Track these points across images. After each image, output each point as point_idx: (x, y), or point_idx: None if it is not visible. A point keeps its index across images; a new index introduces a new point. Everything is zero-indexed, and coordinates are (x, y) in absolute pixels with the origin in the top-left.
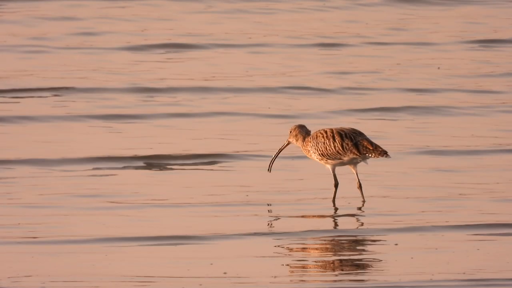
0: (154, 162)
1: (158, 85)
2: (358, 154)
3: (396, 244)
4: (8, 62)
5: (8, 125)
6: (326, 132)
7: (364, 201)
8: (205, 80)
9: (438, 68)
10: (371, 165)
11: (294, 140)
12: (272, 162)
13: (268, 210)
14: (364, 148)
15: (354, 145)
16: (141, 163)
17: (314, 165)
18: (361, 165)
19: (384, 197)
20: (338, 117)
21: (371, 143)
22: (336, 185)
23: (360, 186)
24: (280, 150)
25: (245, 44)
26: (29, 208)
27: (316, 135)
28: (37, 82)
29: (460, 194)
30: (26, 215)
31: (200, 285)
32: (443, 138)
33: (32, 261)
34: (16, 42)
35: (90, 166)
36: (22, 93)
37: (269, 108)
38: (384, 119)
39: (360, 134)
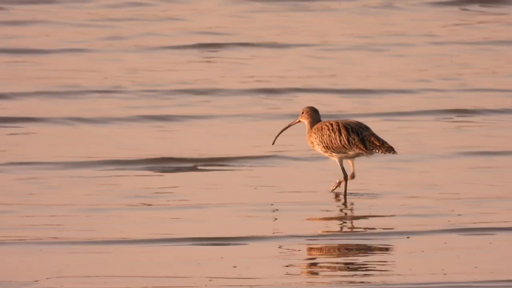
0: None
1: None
2: (364, 150)
3: (445, 243)
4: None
5: (63, 127)
6: (332, 124)
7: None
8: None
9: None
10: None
11: (306, 121)
12: (276, 137)
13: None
14: (371, 144)
15: (360, 140)
16: (190, 165)
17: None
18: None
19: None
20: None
21: (378, 139)
22: (345, 178)
23: (353, 177)
24: (289, 126)
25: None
26: (70, 208)
27: (321, 127)
28: (87, 82)
29: None
30: (67, 215)
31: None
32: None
33: (71, 261)
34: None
35: (142, 166)
36: (78, 94)
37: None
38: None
39: (366, 128)
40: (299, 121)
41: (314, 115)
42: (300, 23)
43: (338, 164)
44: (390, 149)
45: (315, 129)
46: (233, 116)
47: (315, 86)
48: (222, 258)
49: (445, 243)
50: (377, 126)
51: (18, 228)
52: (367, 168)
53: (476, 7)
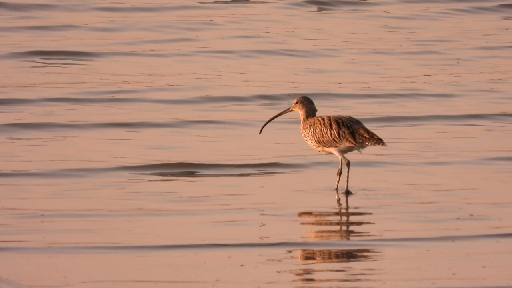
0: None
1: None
2: (354, 142)
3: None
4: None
5: (111, 131)
6: (323, 119)
7: (336, 189)
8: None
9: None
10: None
11: (300, 111)
12: (265, 124)
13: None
14: (360, 137)
15: (350, 133)
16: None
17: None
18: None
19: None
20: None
21: (368, 132)
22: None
23: (340, 173)
24: (280, 114)
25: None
26: (105, 214)
27: (314, 122)
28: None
29: None
30: (101, 220)
31: None
32: None
33: (106, 266)
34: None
35: (183, 170)
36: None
37: None
38: None
39: (357, 122)
40: (291, 110)
41: (309, 105)
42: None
43: (339, 155)
44: (379, 141)
45: (308, 124)
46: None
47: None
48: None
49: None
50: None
51: (50, 232)
52: (401, 172)
53: None
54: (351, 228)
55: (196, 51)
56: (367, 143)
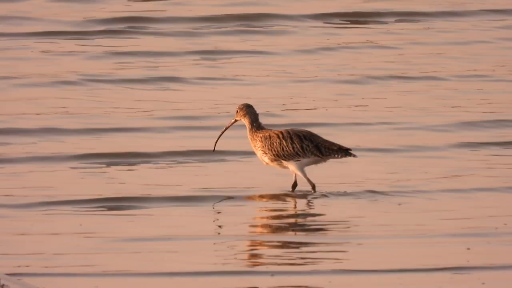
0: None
1: None
2: (320, 155)
3: None
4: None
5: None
6: (282, 133)
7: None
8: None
9: None
10: None
11: (244, 120)
12: (216, 141)
13: None
14: (326, 150)
15: (315, 147)
16: None
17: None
18: None
19: None
20: None
21: (333, 144)
22: (313, 187)
23: (295, 187)
24: (226, 129)
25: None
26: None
27: (270, 136)
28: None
29: None
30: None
31: None
32: None
33: None
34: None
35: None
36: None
37: None
38: None
39: (317, 136)
40: (236, 121)
41: (251, 111)
42: None
43: (299, 173)
44: (348, 153)
45: (262, 138)
46: None
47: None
48: None
49: None
50: None
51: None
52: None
53: None
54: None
55: None
56: (335, 155)
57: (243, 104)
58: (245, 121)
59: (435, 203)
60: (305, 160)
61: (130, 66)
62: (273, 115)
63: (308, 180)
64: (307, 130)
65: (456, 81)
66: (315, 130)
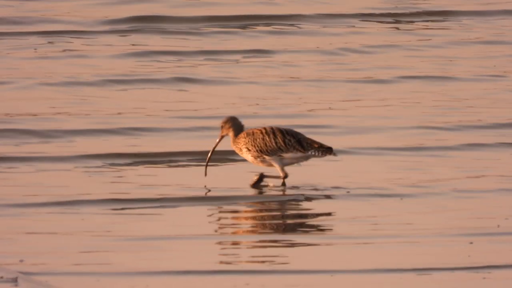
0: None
1: None
2: (302, 150)
3: None
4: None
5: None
6: (265, 129)
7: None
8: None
9: None
10: None
11: (229, 133)
12: (206, 164)
13: None
14: (308, 145)
15: (297, 141)
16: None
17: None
18: None
19: None
20: None
21: (315, 141)
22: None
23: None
24: (214, 149)
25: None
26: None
27: (253, 132)
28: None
29: None
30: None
31: None
32: None
33: None
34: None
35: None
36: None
37: None
38: None
39: (300, 134)
40: (222, 137)
41: (236, 122)
42: None
43: (278, 167)
44: (329, 151)
45: (244, 134)
46: None
47: None
48: None
49: None
50: None
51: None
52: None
53: None
54: None
55: None
56: (315, 153)
57: (227, 118)
58: (230, 134)
59: (440, 203)
60: (288, 155)
61: (140, 66)
62: (277, 116)
63: (284, 172)
64: (288, 128)
65: (466, 82)
66: (319, 130)
